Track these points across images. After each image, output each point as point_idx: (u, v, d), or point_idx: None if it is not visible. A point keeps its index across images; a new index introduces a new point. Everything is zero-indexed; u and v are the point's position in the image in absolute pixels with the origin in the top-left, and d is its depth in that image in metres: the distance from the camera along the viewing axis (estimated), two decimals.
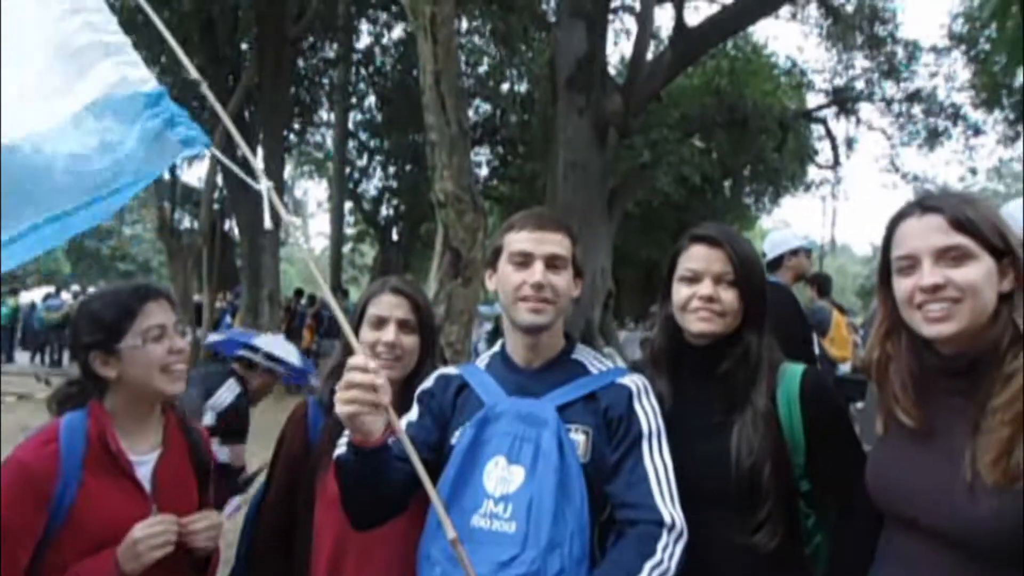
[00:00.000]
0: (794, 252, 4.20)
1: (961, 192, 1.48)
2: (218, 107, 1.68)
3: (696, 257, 1.68)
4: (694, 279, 1.67)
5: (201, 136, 1.63)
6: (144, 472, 1.72)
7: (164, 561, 1.64)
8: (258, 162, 1.65)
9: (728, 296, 1.65)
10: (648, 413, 1.61)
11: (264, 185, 1.61)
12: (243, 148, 1.66)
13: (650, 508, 1.49)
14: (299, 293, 17.22)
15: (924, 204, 1.35)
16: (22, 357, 17.75)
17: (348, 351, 1.97)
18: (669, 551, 1.45)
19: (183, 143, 1.61)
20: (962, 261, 1.30)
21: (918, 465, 1.36)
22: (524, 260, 1.64)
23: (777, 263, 4.18)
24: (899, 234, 1.38)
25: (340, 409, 1.38)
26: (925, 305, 1.32)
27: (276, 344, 4.03)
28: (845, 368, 5.88)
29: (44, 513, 1.58)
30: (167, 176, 16.25)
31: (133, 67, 1.69)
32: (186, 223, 16.67)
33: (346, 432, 1.48)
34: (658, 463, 1.55)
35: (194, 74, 1.69)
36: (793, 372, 1.66)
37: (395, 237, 21.27)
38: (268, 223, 1.62)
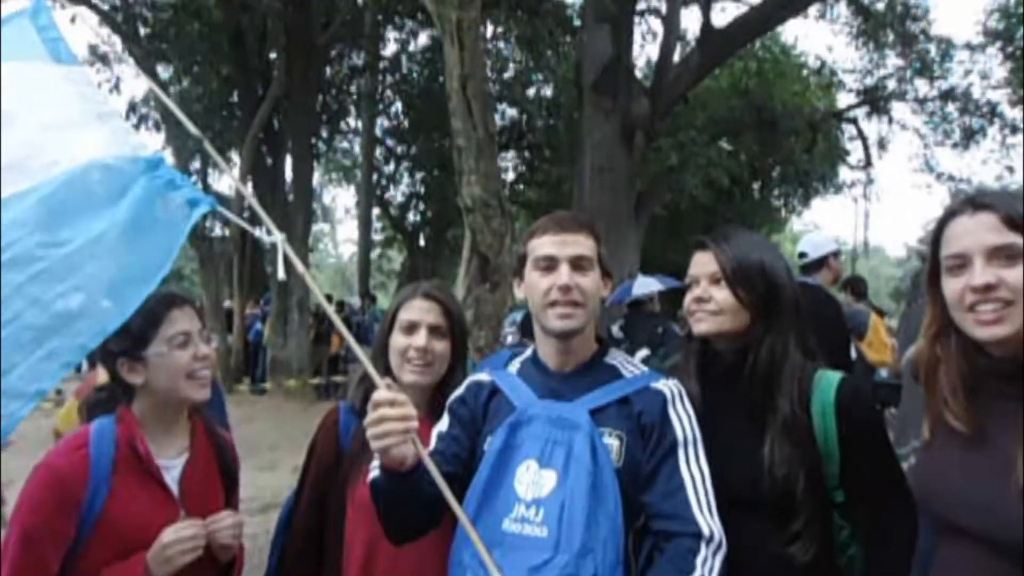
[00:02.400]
0: (835, 254, 4.18)
1: (1013, 190, 1.42)
2: (221, 162, 1.72)
3: (693, 264, 1.74)
4: (694, 284, 1.72)
5: (206, 197, 1.61)
6: (172, 477, 1.73)
7: (191, 565, 1.64)
8: (267, 218, 1.67)
9: (720, 295, 1.65)
10: (683, 420, 1.57)
11: (277, 237, 1.62)
12: (252, 202, 1.70)
13: (688, 520, 1.46)
14: (327, 299, 17.36)
15: (976, 201, 1.30)
16: None
17: (379, 356, 1.97)
18: (708, 565, 1.42)
19: (189, 203, 1.58)
20: (1015, 260, 1.24)
21: (967, 471, 1.31)
22: (549, 264, 1.62)
23: (819, 265, 4.14)
24: (949, 232, 1.32)
25: (374, 444, 1.38)
26: (976, 306, 1.27)
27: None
28: (884, 373, 5.76)
29: (75, 518, 1.59)
30: (199, 184, 16.50)
31: (128, 134, 1.67)
32: (217, 231, 16.92)
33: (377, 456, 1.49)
34: (695, 472, 1.51)
35: (194, 131, 1.70)
36: (829, 381, 1.63)
37: (423, 243, 21.36)
38: (281, 274, 1.66)
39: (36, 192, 1.48)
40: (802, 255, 4.24)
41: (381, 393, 1.39)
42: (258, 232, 1.65)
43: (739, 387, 1.65)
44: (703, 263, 1.70)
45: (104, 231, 1.47)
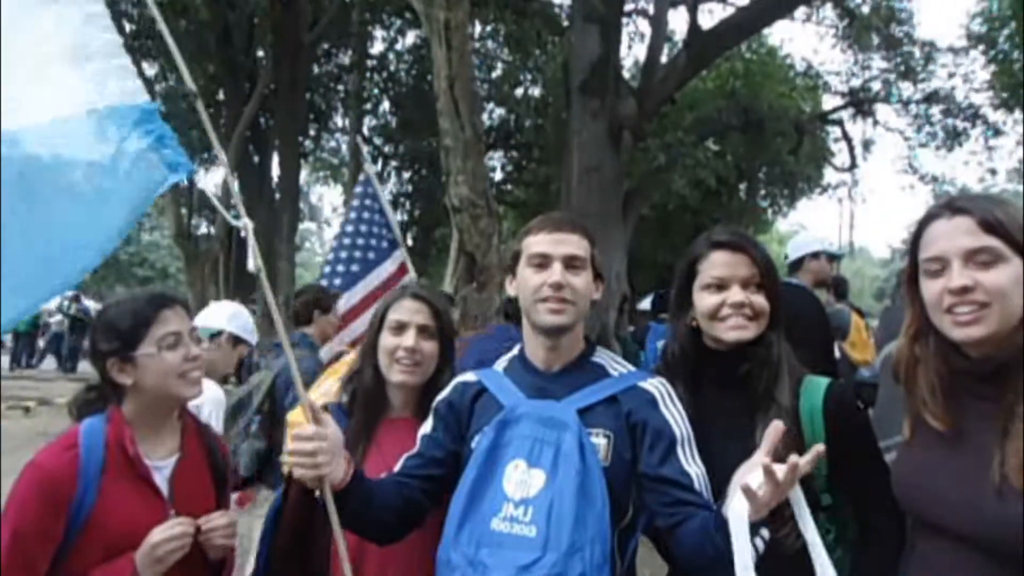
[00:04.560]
0: (815, 255, 4.16)
1: (990, 194, 1.46)
2: (209, 128, 1.76)
3: (720, 264, 1.66)
4: (721, 286, 1.65)
5: (186, 162, 1.64)
6: (162, 477, 1.73)
7: (181, 563, 1.65)
8: (239, 201, 1.74)
9: (758, 300, 1.63)
10: (677, 418, 1.59)
11: (245, 223, 1.70)
12: (230, 183, 1.70)
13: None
14: None
15: (953, 205, 1.33)
16: (46, 362, 17.92)
17: (367, 356, 1.98)
18: None
19: (169, 167, 1.62)
20: (991, 264, 1.27)
21: (946, 469, 1.34)
22: (543, 261, 1.64)
23: (797, 265, 4.15)
24: (927, 236, 1.36)
25: (296, 472, 1.50)
26: (954, 308, 1.30)
27: None
28: (866, 372, 5.80)
29: (64, 518, 1.59)
30: (184, 182, 16.42)
31: (130, 74, 1.70)
32: (203, 229, 16.82)
33: None
34: (697, 468, 1.55)
35: (191, 85, 1.75)
36: (817, 385, 1.64)
37: (410, 242, 21.31)
38: (251, 264, 1.71)
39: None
40: (786, 256, 4.27)
41: (301, 428, 1.52)
42: (229, 216, 1.69)
43: (741, 386, 1.65)
44: (733, 265, 1.64)
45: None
